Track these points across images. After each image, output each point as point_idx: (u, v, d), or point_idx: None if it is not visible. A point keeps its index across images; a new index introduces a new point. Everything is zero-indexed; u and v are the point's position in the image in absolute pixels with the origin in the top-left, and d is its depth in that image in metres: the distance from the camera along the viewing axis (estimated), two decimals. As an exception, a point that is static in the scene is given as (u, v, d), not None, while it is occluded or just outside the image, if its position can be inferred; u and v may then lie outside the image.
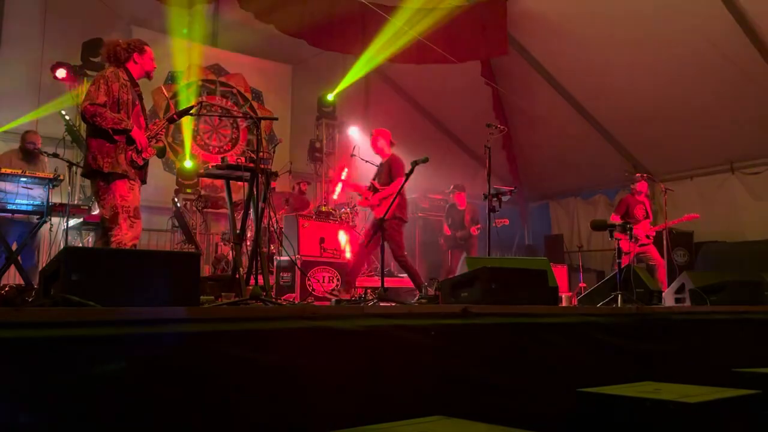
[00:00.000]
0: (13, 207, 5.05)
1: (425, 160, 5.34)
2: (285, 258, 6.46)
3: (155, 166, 8.66)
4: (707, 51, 7.31)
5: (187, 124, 9.17)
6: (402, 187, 5.29)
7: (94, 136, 3.99)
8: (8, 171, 5.01)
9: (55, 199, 5.41)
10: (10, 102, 7.74)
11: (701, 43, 7.25)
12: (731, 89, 7.73)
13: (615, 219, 7.50)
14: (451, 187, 9.04)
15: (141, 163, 4.11)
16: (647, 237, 7.33)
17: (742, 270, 5.56)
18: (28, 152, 5.98)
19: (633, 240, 6.84)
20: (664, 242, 7.52)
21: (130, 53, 4.21)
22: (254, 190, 4.31)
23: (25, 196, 5.10)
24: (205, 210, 7.93)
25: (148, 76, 4.33)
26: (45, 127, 7.67)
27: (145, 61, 4.26)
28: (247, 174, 4.49)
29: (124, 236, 3.95)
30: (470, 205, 9.01)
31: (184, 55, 9.39)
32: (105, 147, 3.96)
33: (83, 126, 4.27)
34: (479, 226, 8.64)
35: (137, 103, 4.21)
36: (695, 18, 7.08)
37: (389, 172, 6.20)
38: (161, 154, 4.39)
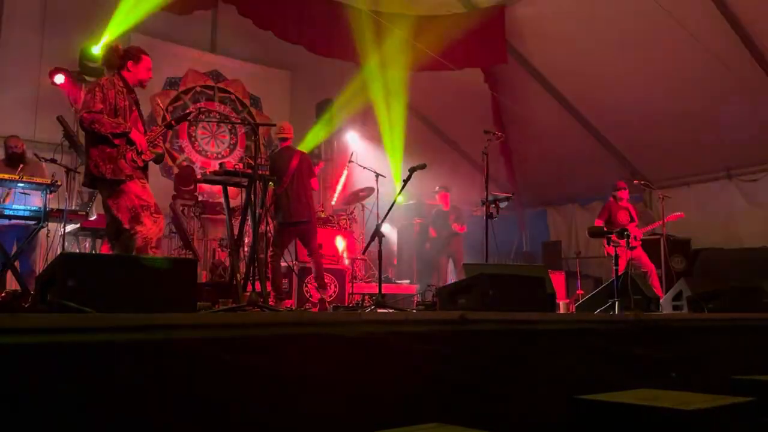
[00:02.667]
0: (10, 212, 5.04)
1: (423, 167, 5.34)
2: (282, 264, 6.45)
3: (153, 173, 8.66)
4: (704, 59, 7.34)
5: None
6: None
7: (94, 145, 4.00)
8: (5, 176, 5.00)
9: (52, 205, 5.39)
10: (8, 108, 7.73)
11: (698, 51, 7.27)
12: (728, 96, 7.76)
13: (598, 224, 7.59)
14: (437, 187, 9.06)
15: (141, 164, 4.12)
16: (635, 239, 7.36)
17: (739, 277, 5.57)
18: (13, 158, 5.97)
19: (614, 245, 6.86)
20: (662, 249, 7.53)
21: (124, 61, 4.22)
22: (252, 196, 4.31)
23: (22, 201, 5.09)
24: (202, 216, 7.92)
25: (141, 84, 4.32)
26: (43, 132, 7.67)
27: (139, 70, 4.25)
28: (245, 180, 4.50)
29: (149, 231, 3.98)
30: (455, 206, 9.06)
31: (182, 61, 9.41)
32: (106, 153, 3.97)
33: (81, 131, 4.27)
34: (464, 226, 8.69)
35: (134, 109, 4.21)
36: (693, 26, 7.10)
37: None
38: (159, 159, 4.40)
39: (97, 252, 6.41)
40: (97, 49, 7.54)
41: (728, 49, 7.21)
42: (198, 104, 9.30)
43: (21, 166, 5.86)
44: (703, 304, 4.73)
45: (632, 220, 7.60)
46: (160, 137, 4.37)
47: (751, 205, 8.71)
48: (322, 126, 9.94)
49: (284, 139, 6.25)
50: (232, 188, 4.98)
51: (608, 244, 5.84)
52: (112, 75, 4.21)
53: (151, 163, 4.29)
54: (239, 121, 9.53)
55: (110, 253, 4.33)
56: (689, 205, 8.98)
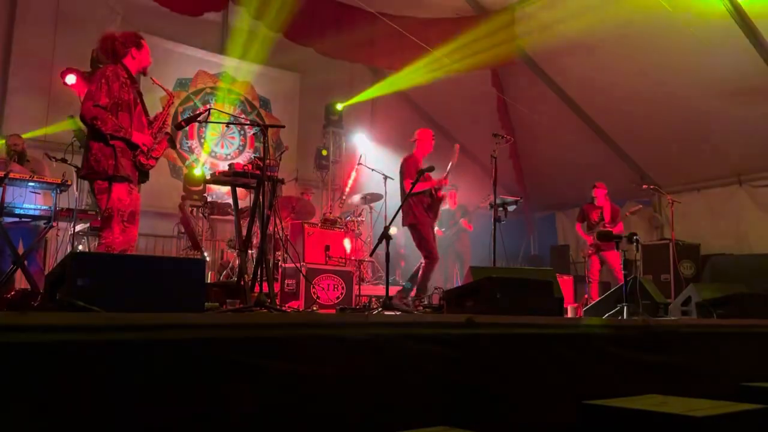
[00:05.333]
0: (21, 212, 5.07)
1: (431, 169, 5.35)
2: (290, 265, 6.46)
3: (163, 173, 8.71)
4: (716, 63, 7.31)
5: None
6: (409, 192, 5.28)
7: (95, 139, 3.86)
8: (17, 176, 5.03)
9: (62, 204, 5.42)
10: (19, 107, 7.80)
11: (710, 56, 7.24)
12: (740, 102, 7.72)
13: (578, 227, 8.05)
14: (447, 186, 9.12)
15: (154, 164, 4.07)
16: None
17: (749, 283, 5.52)
18: (19, 155, 6.01)
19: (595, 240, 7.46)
20: (671, 254, 7.48)
21: (128, 48, 4.06)
22: (260, 197, 4.31)
23: (32, 200, 5.12)
24: (211, 216, 7.94)
25: (144, 71, 4.18)
26: (54, 132, 7.73)
27: (143, 56, 4.12)
28: (254, 181, 4.50)
29: (114, 240, 3.80)
30: (462, 205, 9.11)
31: (192, 62, 9.46)
32: (106, 150, 3.85)
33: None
34: (471, 225, 8.74)
35: (138, 102, 4.09)
36: (704, 31, 7.08)
37: None
38: (172, 144, 4.29)
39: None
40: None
41: (740, 55, 7.17)
42: (207, 105, 9.33)
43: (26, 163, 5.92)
44: (712, 309, 4.69)
45: (602, 219, 7.65)
46: (168, 118, 4.27)
47: (762, 211, 8.65)
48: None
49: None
50: (240, 189, 4.99)
51: (617, 248, 5.82)
52: (116, 64, 4.03)
53: (159, 165, 4.27)
54: (248, 122, 9.56)
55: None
56: (699, 210, 8.95)
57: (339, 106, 10.19)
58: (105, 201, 3.85)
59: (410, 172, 5.79)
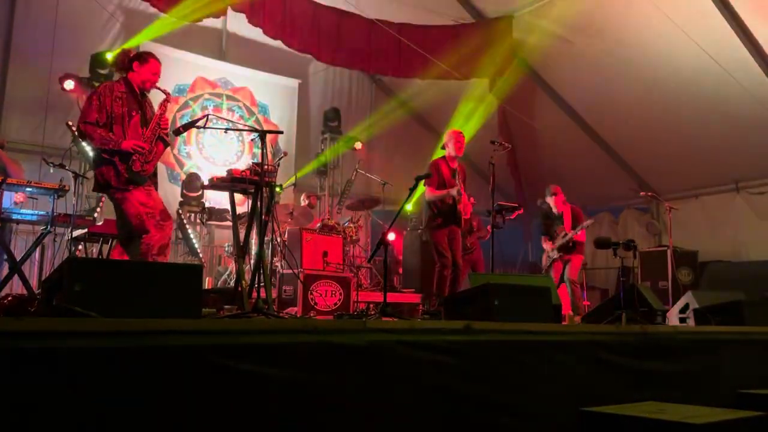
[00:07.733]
0: (18, 216, 5.07)
1: (429, 176, 5.36)
2: (288, 271, 6.45)
3: (160, 178, 8.69)
4: (714, 70, 7.33)
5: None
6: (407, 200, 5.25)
7: (98, 155, 4.13)
8: (14, 181, 5.02)
9: (60, 210, 5.41)
10: (18, 113, 7.79)
11: (707, 63, 7.26)
12: (737, 108, 7.74)
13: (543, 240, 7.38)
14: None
15: (150, 169, 4.17)
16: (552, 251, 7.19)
17: (746, 290, 5.52)
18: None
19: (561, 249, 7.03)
20: (669, 261, 7.48)
21: (131, 62, 4.24)
22: (258, 203, 4.31)
23: (30, 205, 5.12)
24: (209, 222, 7.93)
25: (144, 86, 4.29)
26: (52, 137, 7.73)
27: (143, 71, 4.24)
28: (251, 187, 4.49)
29: (152, 239, 4.05)
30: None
31: (191, 68, 9.46)
32: (108, 163, 4.06)
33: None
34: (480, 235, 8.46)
35: (135, 114, 4.20)
36: (702, 38, 7.10)
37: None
38: (165, 143, 4.36)
39: (105, 257, 6.42)
40: (109, 57, 7.61)
41: (738, 63, 7.19)
42: (206, 111, 9.33)
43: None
44: (710, 316, 4.69)
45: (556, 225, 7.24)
46: (165, 117, 4.36)
47: (760, 218, 8.67)
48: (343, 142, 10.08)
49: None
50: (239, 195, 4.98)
51: (615, 256, 5.81)
52: (118, 80, 4.29)
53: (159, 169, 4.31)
54: (247, 128, 9.54)
55: (122, 257, 4.35)
56: (697, 217, 8.97)
57: (337, 112, 10.22)
58: (129, 209, 4.05)
59: (430, 178, 5.69)
